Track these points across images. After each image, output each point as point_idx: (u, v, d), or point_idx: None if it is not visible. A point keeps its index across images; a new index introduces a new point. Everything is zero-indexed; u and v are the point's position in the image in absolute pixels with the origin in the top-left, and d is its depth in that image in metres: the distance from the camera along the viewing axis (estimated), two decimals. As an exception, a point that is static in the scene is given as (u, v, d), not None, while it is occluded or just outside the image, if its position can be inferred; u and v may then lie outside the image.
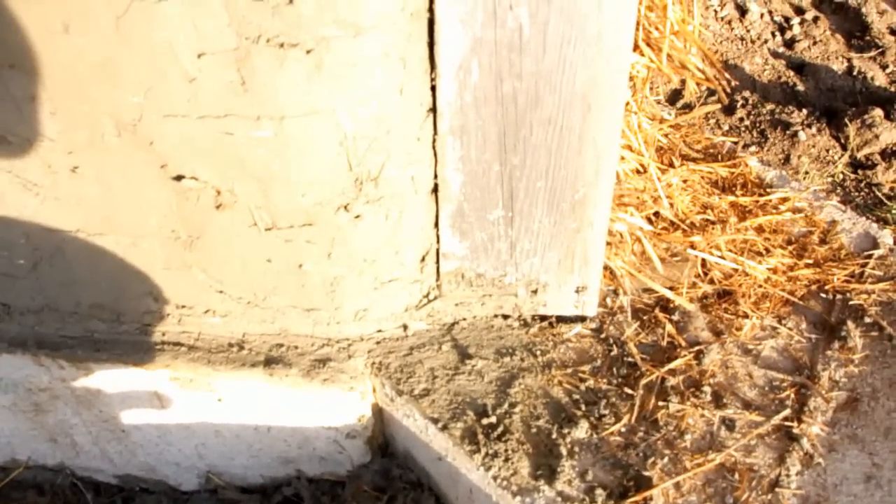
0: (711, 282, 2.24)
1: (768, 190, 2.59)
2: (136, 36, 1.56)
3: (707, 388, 1.95)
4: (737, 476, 1.77)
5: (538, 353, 2.03)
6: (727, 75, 2.84)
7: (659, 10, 1.95)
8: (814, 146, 3.88)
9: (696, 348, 2.05)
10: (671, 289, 2.17)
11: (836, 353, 2.06)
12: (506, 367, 1.99)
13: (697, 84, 2.22)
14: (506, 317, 2.11)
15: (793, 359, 2.06)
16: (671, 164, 2.56)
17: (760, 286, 2.23)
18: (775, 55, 4.73)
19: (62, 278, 2.01)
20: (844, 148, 3.91)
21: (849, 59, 4.76)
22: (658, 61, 1.99)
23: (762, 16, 4.98)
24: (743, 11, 4.98)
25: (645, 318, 2.16)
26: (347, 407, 2.03)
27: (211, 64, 1.57)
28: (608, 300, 2.19)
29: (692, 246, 2.26)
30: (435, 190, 1.80)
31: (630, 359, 2.03)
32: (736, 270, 2.26)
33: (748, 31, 4.88)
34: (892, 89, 4.54)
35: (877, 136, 3.90)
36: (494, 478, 1.76)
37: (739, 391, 1.96)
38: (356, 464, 2.21)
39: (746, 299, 2.19)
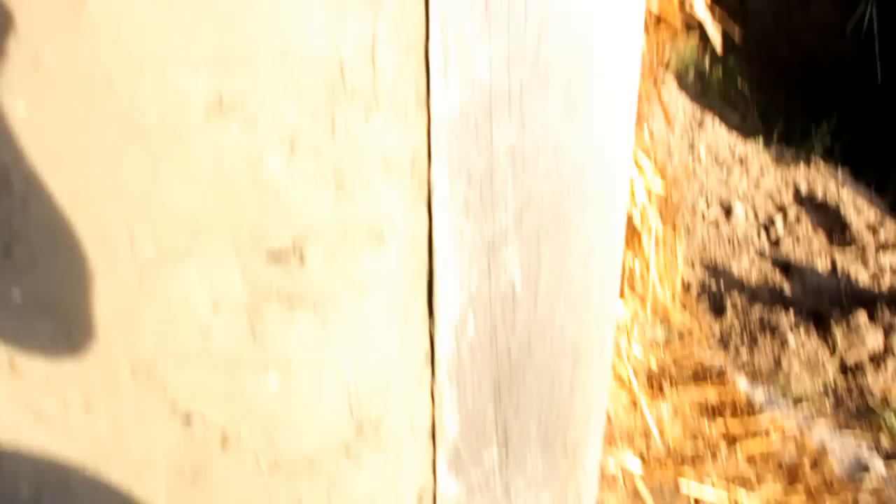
0: (704, 511, 2.28)
1: (757, 412, 2.66)
2: (156, 288, 1.67)
3: None
4: None
5: (532, 588, 2.04)
6: (713, 289, 2.95)
7: (642, 259, 2.07)
8: (803, 351, 3.97)
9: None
10: (664, 521, 2.21)
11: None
12: None
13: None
14: (500, 550, 2.13)
15: None
16: (661, 390, 2.63)
17: (753, 516, 2.26)
18: (762, 255, 4.90)
19: (65, 506, 2.04)
20: (833, 352, 4.01)
21: (832, 258, 4.93)
22: (643, 310, 2.10)
23: (747, 216, 5.19)
24: (728, 212, 5.19)
25: (638, 552, 2.18)
26: None
27: (224, 315, 1.67)
28: (602, 531, 2.22)
29: (683, 480, 2.30)
30: (433, 433, 1.87)
31: None
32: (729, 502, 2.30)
33: (734, 231, 5.07)
34: (875, 289, 4.69)
35: (863, 341, 4.00)
36: None
37: None
38: None
39: (740, 532, 2.23)
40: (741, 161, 5.63)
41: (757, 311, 4.21)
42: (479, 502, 1.98)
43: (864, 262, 4.82)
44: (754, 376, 2.88)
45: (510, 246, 1.71)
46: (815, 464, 2.49)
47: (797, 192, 5.51)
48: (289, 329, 1.67)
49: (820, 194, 5.52)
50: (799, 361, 3.94)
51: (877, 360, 4.05)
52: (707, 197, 5.22)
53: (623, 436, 2.37)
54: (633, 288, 2.13)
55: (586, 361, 1.80)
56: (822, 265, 4.81)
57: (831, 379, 3.84)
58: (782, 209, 5.27)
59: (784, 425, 2.58)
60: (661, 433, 2.41)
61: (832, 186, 5.60)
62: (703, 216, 5.05)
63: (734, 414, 2.63)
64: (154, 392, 1.77)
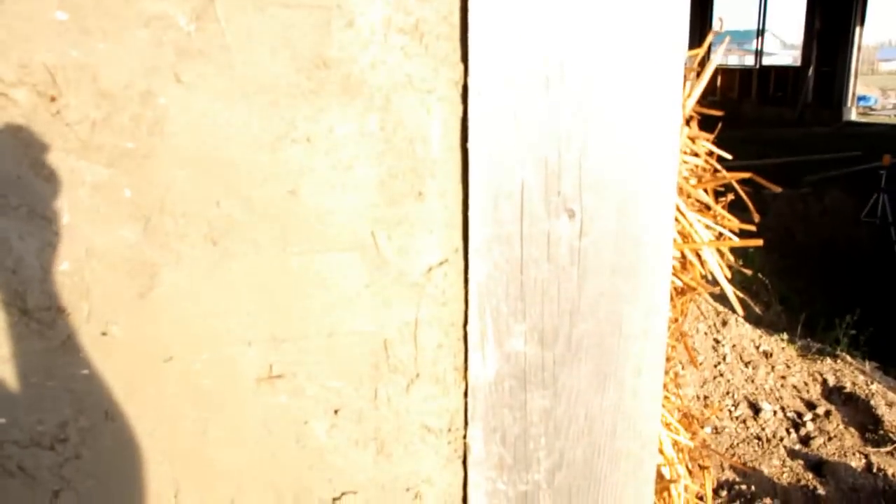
0: None
1: None
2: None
3: None
4: None
5: None
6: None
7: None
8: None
9: None
10: None
11: None
12: None
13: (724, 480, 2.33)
14: None
15: None
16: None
17: None
18: (792, 454, 4.86)
19: None
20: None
21: (866, 455, 4.88)
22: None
23: (775, 413, 5.18)
24: (756, 410, 5.19)
25: None
26: None
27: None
28: None
29: None
30: None
31: None
32: None
33: (763, 429, 5.06)
34: (915, 489, 4.63)
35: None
36: None
37: None
38: None
39: None
40: (766, 356, 5.67)
41: (791, 516, 4.16)
42: None
43: (901, 459, 4.78)
44: None
45: (542, 501, 1.76)
46: None
47: (825, 386, 5.51)
48: None
49: (848, 387, 5.52)
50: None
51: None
52: (734, 396, 5.22)
53: None
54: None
55: None
56: (856, 463, 4.75)
57: None
58: (811, 405, 5.26)
59: None
60: None
61: (860, 379, 5.60)
62: (731, 414, 5.05)
63: None
64: None
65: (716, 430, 4.80)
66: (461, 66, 1.58)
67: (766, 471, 4.62)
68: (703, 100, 2.23)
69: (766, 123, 32.03)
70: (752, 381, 5.48)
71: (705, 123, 2.33)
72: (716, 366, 5.50)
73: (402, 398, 1.70)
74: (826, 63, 33.09)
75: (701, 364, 5.06)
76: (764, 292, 6.70)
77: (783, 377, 5.54)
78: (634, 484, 1.79)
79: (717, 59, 2.17)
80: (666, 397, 2.16)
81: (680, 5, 1.56)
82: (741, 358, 5.66)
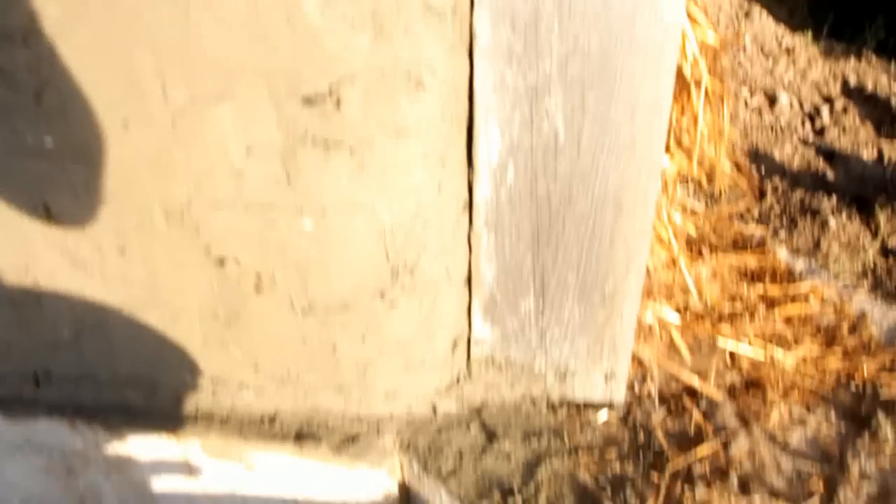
0: (739, 371, 2.26)
1: (797, 280, 2.62)
2: (189, 133, 1.64)
3: (734, 476, 1.96)
4: (760, 570, 1.78)
5: (565, 437, 2.06)
6: (754, 172, 2.88)
7: (690, 115, 2.01)
8: (844, 233, 3.90)
9: (724, 436, 2.07)
10: (699, 377, 2.20)
11: (867, 445, 2.06)
12: (533, 450, 2.01)
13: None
14: (534, 400, 2.14)
15: (822, 449, 2.07)
16: (700, 254, 2.60)
17: (789, 376, 2.24)
18: (805, 143, 4.77)
19: (103, 350, 2.07)
20: (875, 235, 3.93)
21: (879, 147, 4.79)
22: (689, 166, 2.05)
23: (792, 105, 5.04)
24: (773, 101, 5.04)
25: (672, 405, 2.18)
26: (375, 483, 2.06)
27: (258, 159, 1.65)
28: (636, 387, 2.22)
29: (721, 336, 2.29)
30: (469, 280, 1.85)
31: (657, 445, 2.04)
32: (764, 360, 2.28)
33: (778, 119, 4.94)
34: (924, 178, 4.56)
35: (907, 225, 3.92)
36: (516, 565, 1.78)
37: (767, 480, 1.97)
38: (380, 542, 2.24)
39: (775, 389, 2.21)
40: (788, 52, 5.43)
41: (798, 196, 4.12)
42: (513, 350, 1.98)
43: (914, 152, 4.69)
44: (794, 252, 2.83)
45: (553, 93, 1.65)
46: (854, 328, 2.46)
47: (845, 84, 5.32)
48: (324, 173, 1.65)
49: (870, 86, 5.33)
50: (839, 243, 3.87)
51: (920, 244, 3.98)
52: (751, 86, 5.05)
53: (661, 291, 2.35)
54: (679, 143, 2.07)
55: (629, 212, 1.76)
56: (867, 154, 4.67)
57: (871, 260, 3.77)
58: (829, 100, 5.10)
59: (824, 292, 2.54)
60: (700, 292, 2.39)
61: (883, 80, 5.40)
62: (747, 104, 4.91)
63: (773, 279, 2.59)
64: (187, 236, 1.76)
65: (730, 119, 4.69)
66: None
67: (777, 156, 4.55)
68: None
69: None
70: (771, 74, 5.30)
71: None
72: (734, 57, 5.30)
73: (399, -36, 1.55)
74: None
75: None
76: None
77: (803, 72, 5.35)
78: (653, 77, 1.66)
79: None
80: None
81: None
82: (762, 50, 5.45)
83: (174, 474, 2.21)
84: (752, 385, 2.25)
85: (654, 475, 1.97)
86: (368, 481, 2.05)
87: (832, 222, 3.94)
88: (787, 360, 2.27)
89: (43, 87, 1.68)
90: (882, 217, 3.92)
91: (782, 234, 3.90)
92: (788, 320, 2.42)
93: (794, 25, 5.93)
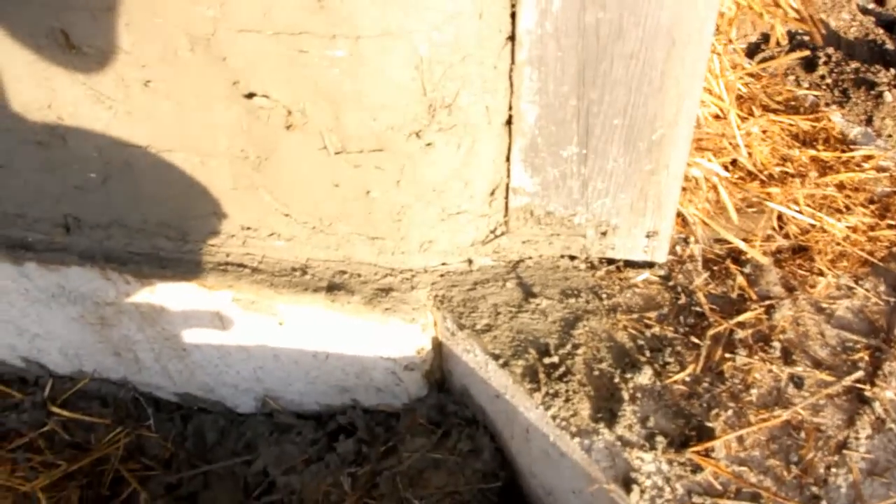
0: (787, 236, 2.17)
1: (851, 147, 2.49)
2: (213, -52, 1.54)
3: (776, 344, 1.89)
4: (803, 434, 1.72)
5: (604, 296, 1.99)
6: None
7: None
8: (899, 107, 3.73)
9: (767, 303, 1.99)
10: (745, 240, 2.11)
11: (915, 318, 1.98)
12: (570, 308, 1.95)
13: (787, 31, 2.13)
14: (572, 258, 2.07)
15: (868, 321, 1.99)
16: (751, 114, 2.47)
17: (838, 244, 2.15)
18: (864, 11, 4.54)
19: (131, 194, 2.01)
20: (932, 110, 3.76)
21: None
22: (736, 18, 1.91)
23: (852, -31, 4.79)
24: (830, -34, 4.79)
25: (715, 268, 2.10)
26: (407, 338, 2.01)
27: (287, -21, 1.54)
28: (678, 248, 2.14)
29: (769, 198, 2.18)
30: (509, 122, 1.76)
31: (698, 308, 1.98)
32: (813, 226, 2.18)
33: (835, -14, 4.70)
34: None
35: (968, 101, 3.74)
36: (553, 417, 1.73)
37: (810, 349, 1.90)
38: (412, 397, 2.21)
39: (822, 256, 2.12)
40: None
41: (853, 66, 3.94)
42: (553, 200, 1.90)
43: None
44: (849, 120, 2.69)
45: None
46: (910, 199, 2.35)
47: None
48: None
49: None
50: (893, 118, 3.71)
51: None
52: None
53: (710, 145, 2.24)
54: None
55: (682, 48, 1.64)
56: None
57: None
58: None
59: (879, 161, 2.42)
60: (749, 150, 2.27)
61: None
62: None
63: (826, 144, 2.47)
64: (214, 67, 1.67)
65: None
66: None
67: (833, 24, 4.34)
68: None
69: None
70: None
71: None
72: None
73: None
74: None
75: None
76: None
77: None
78: None
79: None
80: None
81: None
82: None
83: (205, 326, 2.18)
84: (799, 251, 2.16)
85: (695, 339, 1.91)
86: (401, 336, 2.00)
87: (888, 96, 3.77)
88: (837, 227, 2.16)
89: None
90: (941, 92, 3.74)
91: (834, 105, 3.74)
92: (841, 187, 2.31)
93: None
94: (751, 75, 2.63)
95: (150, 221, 2.07)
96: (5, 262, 2.22)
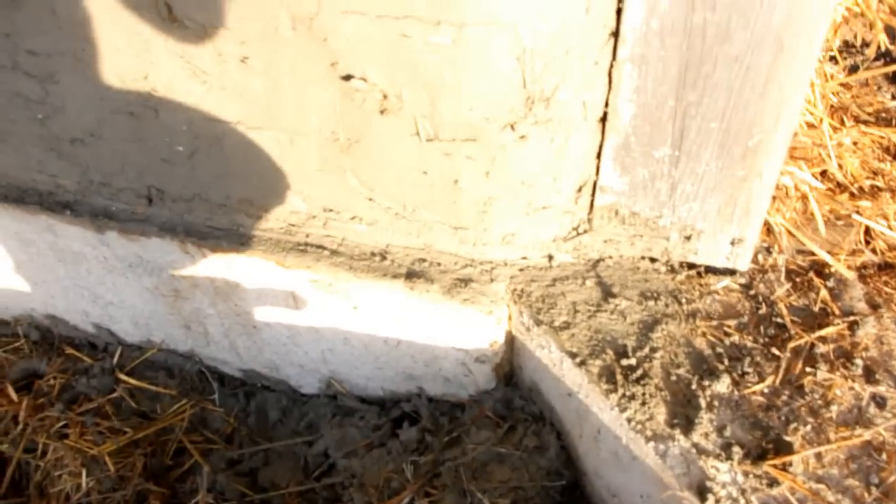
0: (874, 252, 2.12)
1: (944, 162, 2.43)
2: (322, -71, 1.54)
3: (859, 361, 1.85)
4: (884, 456, 1.68)
5: (683, 301, 1.96)
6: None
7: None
8: None
9: (850, 318, 1.95)
10: (830, 253, 2.06)
11: None
12: (649, 311, 1.93)
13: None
14: (653, 260, 2.04)
15: (954, 344, 1.94)
16: (842, 124, 2.42)
17: (927, 263, 2.10)
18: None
19: (216, 169, 2.03)
20: None
21: None
22: (865, 4, 1.86)
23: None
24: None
25: (798, 280, 2.06)
26: (482, 330, 2.00)
27: (395, -38, 1.53)
28: (760, 256, 2.10)
29: (858, 211, 2.13)
30: (603, 119, 1.73)
31: (779, 319, 1.94)
32: (902, 243, 2.13)
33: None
34: None
35: None
36: (629, 420, 1.71)
37: (893, 369, 1.86)
38: (479, 389, 2.20)
39: (910, 275, 2.07)
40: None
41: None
42: (639, 200, 1.87)
43: None
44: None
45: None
46: None
47: None
48: None
49: None
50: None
51: None
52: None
53: (802, 154, 2.20)
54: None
55: (789, 54, 1.60)
56: None
57: None
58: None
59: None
60: (840, 162, 2.22)
61: None
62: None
63: (918, 160, 2.41)
64: (314, 47, 1.67)
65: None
66: None
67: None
68: None
69: None
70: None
71: None
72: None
73: None
74: None
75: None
76: None
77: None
78: None
79: None
80: None
81: None
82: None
83: (279, 305, 2.19)
84: (886, 268, 2.10)
85: (775, 350, 1.87)
86: (476, 327, 2.00)
87: None
88: (925, 245, 2.11)
89: None
90: None
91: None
92: (932, 203, 2.25)
93: None
94: (842, 84, 2.57)
95: (232, 197, 2.08)
96: (87, 230, 2.25)
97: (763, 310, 1.97)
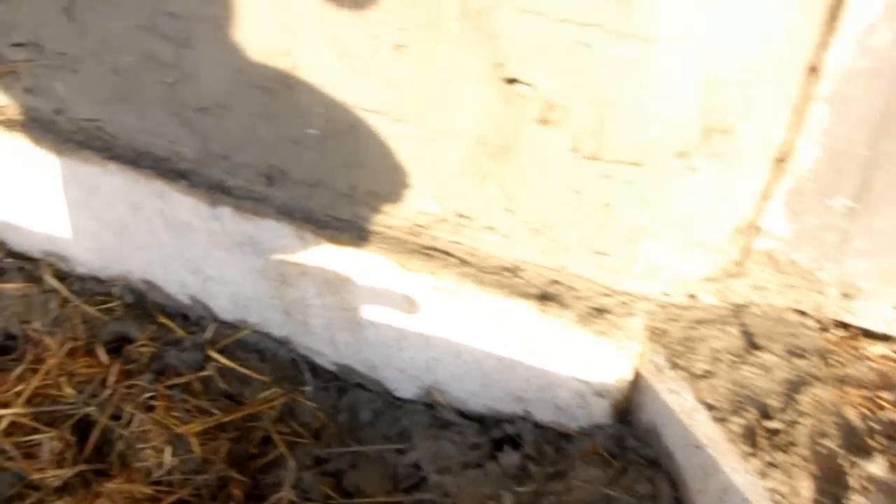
0: None
1: None
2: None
3: None
4: None
5: (833, 363, 1.79)
6: None
7: None
8: None
9: None
10: None
11: None
12: (796, 370, 1.76)
13: None
14: (802, 313, 1.87)
15: None
16: None
17: None
18: None
19: (347, 157, 1.92)
20: None
21: None
22: None
23: None
24: None
25: (962, 354, 1.88)
26: (609, 365, 1.87)
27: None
28: (921, 325, 1.92)
29: None
30: (780, 159, 1.57)
31: (939, 398, 1.76)
32: None
33: None
34: None
35: None
36: (769, 490, 1.55)
37: None
38: (591, 422, 2.06)
39: None
40: None
41: None
42: (801, 249, 1.70)
43: None
44: None
45: None
46: None
47: None
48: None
49: None
50: None
51: None
52: None
53: None
54: None
55: None
56: None
57: None
58: None
59: None
60: None
61: None
62: None
63: None
64: (479, 44, 1.54)
65: None
66: None
67: None
68: None
69: None
70: None
71: None
72: None
73: None
74: None
75: None
76: None
77: None
78: None
79: None
80: None
81: None
82: None
83: (391, 306, 2.08)
84: None
85: (933, 432, 1.70)
86: (603, 360, 1.86)
87: None
88: None
89: None
90: None
91: None
92: None
93: None
94: None
95: (359, 189, 1.97)
96: (201, 202, 2.17)
97: (921, 384, 1.80)
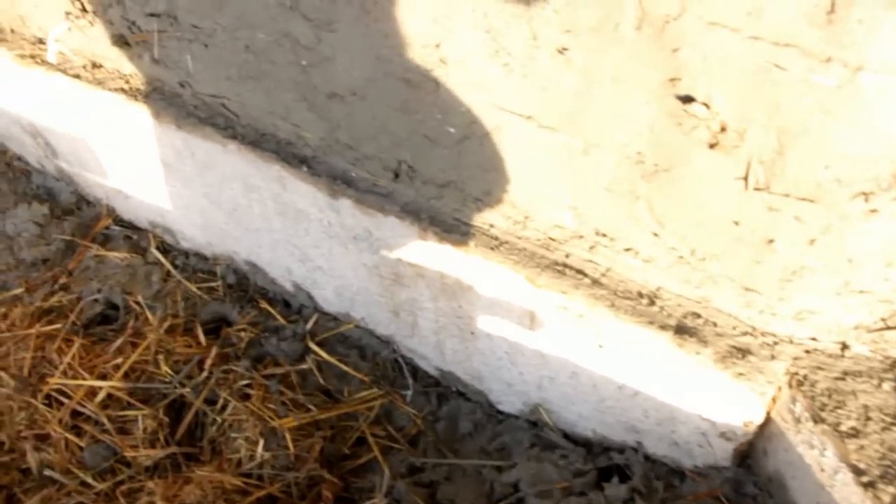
0: None
1: None
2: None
3: None
4: None
5: None
6: None
7: None
8: None
9: None
10: None
11: None
12: (953, 437, 1.62)
13: None
14: (959, 374, 1.73)
15: None
16: None
17: None
18: None
19: (484, 161, 1.82)
20: None
21: None
22: None
23: None
24: None
25: None
26: (742, 408, 1.75)
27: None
28: None
29: None
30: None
31: None
32: None
33: None
34: None
35: None
36: (921, 569, 1.43)
37: None
38: (709, 463, 1.94)
39: None
40: None
41: None
42: None
43: None
44: None
45: None
46: None
47: None
48: (886, 17, 1.23)
49: None
50: None
51: None
52: None
53: None
54: None
55: None
56: None
57: None
58: None
59: None
60: None
61: None
62: None
63: None
64: (655, 55, 1.43)
65: None
66: None
67: None
68: None
69: None
70: None
71: None
72: None
73: None
74: None
75: None
76: None
77: None
78: None
79: None
80: None
81: None
82: None
83: (510, 320, 1.98)
84: None
85: None
86: (736, 403, 1.74)
87: None
88: None
89: None
90: None
91: None
92: None
93: None
94: None
95: (492, 195, 1.87)
96: (320, 191, 2.10)
97: None
